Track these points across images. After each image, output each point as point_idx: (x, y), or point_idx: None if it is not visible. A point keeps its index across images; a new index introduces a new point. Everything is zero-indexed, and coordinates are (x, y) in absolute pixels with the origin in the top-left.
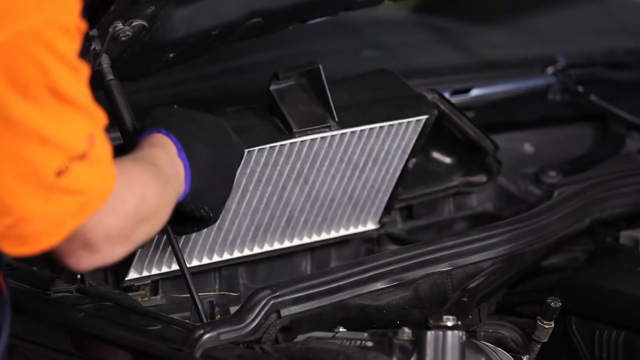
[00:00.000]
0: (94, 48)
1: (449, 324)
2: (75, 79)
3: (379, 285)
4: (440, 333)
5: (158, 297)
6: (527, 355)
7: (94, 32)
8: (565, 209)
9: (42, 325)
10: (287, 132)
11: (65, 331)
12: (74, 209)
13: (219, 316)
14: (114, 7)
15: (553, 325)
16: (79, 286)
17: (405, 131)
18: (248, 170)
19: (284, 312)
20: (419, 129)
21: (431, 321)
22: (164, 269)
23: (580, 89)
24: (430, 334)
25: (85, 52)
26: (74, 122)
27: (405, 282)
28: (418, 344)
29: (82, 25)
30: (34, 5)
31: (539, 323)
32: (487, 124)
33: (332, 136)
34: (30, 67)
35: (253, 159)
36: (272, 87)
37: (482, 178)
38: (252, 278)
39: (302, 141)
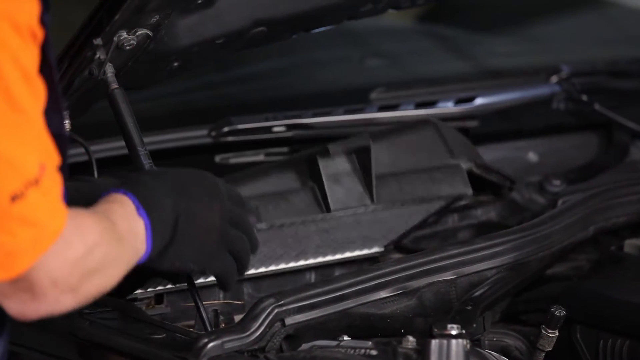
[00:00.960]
0: (99, 57)
1: (454, 332)
2: (31, 92)
3: (383, 293)
4: (445, 342)
5: (162, 305)
6: None
7: (99, 41)
8: (569, 218)
9: (48, 334)
10: (324, 208)
11: (71, 340)
12: (28, 242)
13: (223, 325)
14: (119, 17)
15: (557, 334)
16: None
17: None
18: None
19: (288, 320)
20: (450, 202)
21: (435, 330)
22: (169, 285)
23: (584, 97)
24: (434, 343)
25: (90, 61)
26: (27, 141)
27: (409, 291)
28: (422, 352)
29: (39, 34)
30: None
31: (544, 332)
32: (491, 132)
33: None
34: None
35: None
36: (321, 162)
37: (491, 197)
38: (256, 287)
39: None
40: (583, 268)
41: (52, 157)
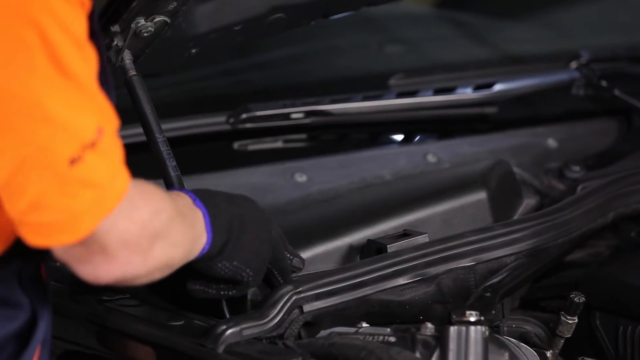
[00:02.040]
0: (116, 44)
1: (472, 319)
2: (82, 57)
3: (402, 280)
4: (463, 328)
5: None
6: (551, 351)
7: (116, 28)
8: (589, 204)
9: (67, 320)
10: None
11: (90, 326)
12: (89, 204)
13: None
14: (136, 3)
15: (577, 320)
16: None
17: None
18: None
19: (307, 307)
20: None
21: (454, 316)
22: None
23: (604, 83)
24: (453, 329)
25: (108, 48)
26: (82, 105)
27: (428, 278)
28: (441, 339)
29: (87, 2)
30: None
31: (563, 318)
32: (510, 118)
33: None
34: (28, 32)
35: None
36: None
37: None
38: None
39: None
40: (602, 254)
41: (110, 121)
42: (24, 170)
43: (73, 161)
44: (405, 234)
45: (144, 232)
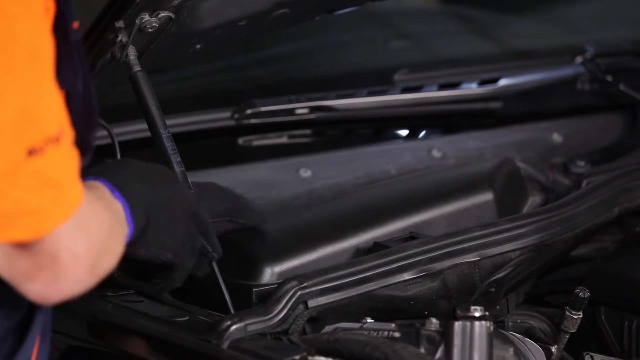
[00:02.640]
0: (121, 40)
1: (477, 314)
2: (48, 44)
3: (407, 275)
4: (468, 323)
5: None
6: (556, 346)
7: (121, 23)
8: (594, 199)
9: (71, 316)
10: None
11: (94, 322)
12: (47, 203)
13: None
14: None
15: (582, 315)
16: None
17: None
18: None
19: (312, 303)
20: None
21: (459, 312)
22: None
23: (609, 78)
24: (457, 325)
25: (112, 44)
26: (46, 96)
27: (433, 273)
28: (446, 334)
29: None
30: None
31: (568, 313)
32: (515, 113)
33: None
34: None
35: None
36: None
37: None
38: None
39: None
40: (607, 249)
41: (68, 126)
42: None
43: (33, 152)
44: (412, 237)
45: (93, 247)
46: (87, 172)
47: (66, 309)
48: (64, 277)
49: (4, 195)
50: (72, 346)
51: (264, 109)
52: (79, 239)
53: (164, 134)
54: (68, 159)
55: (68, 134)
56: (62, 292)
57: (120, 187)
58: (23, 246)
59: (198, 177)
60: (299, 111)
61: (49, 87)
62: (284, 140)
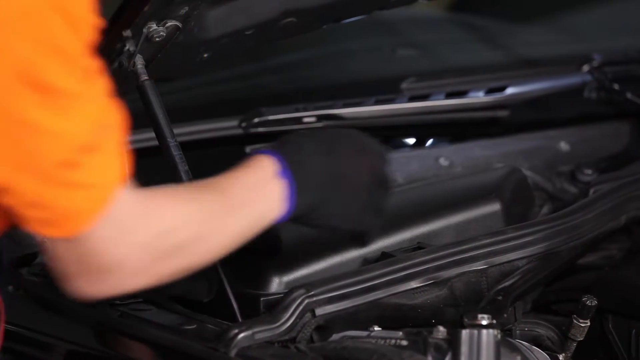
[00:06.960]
0: (128, 49)
1: (484, 322)
2: (68, 69)
3: (414, 284)
4: (475, 332)
5: None
6: (563, 354)
7: (128, 33)
8: (601, 207)
9: (79, 324)
10: None
11: (102, 330)
12: (82, 202)
13: None
14: (148, 8)
15: (589, 324)
16: None
17: None
18: None
19: (319, 311)
20: None
21: (466, 320)
22: None
23: (616, 86)
24: (465, 333)
25: (119, 53)
26: (69, 113)
27: (440, 281)
28: (453, 342)
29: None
30: None
31: (575, 321)
32: (522, 122)
33: None
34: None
35: None
36: None
37: None
38: None
39: None
40: (615, 257)
41: (109, 124)
42: (16, 174)
43: (64, 164)
44: (419, 247)
45: (146, 255)
46: (276, 142)
47: (73, 316)
48: (106, 277)
49: (46, 204)
50: (80, 353)
51: (271, 117)
52: (123, 250)
53: (172, 143)
54: (106, 161)
55: (107, 130)
56: (105, 290)
57: (293, 164)
58: (66, 243)
59: None
60: (306, 120)
61: (75, 101)
62: None
